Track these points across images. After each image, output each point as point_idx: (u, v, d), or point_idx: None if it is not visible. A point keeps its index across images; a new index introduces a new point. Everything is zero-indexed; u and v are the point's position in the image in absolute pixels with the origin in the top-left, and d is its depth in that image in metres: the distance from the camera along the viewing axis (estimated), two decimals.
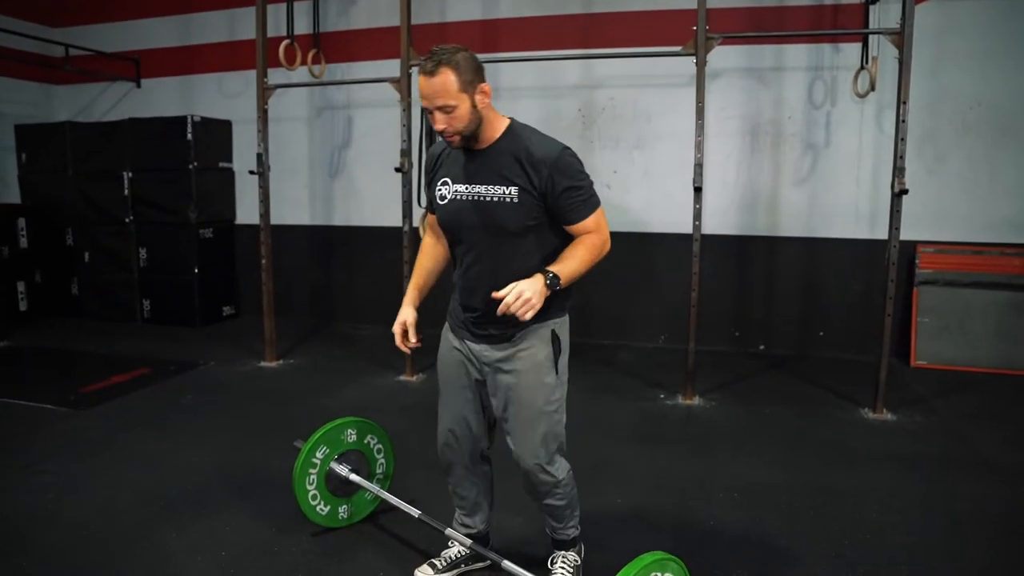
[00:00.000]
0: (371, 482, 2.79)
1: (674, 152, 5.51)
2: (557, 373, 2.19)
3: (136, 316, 6.82)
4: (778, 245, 5.62)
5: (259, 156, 5.09)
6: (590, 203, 2.10)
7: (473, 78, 1.99)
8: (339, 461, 2.78)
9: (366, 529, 2.87)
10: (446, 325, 2.36)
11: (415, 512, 2.50)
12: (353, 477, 2.74)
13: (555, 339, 2.18)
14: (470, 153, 2.12)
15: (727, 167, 5.59)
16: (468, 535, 2.45)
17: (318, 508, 2.76)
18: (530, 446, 2.17)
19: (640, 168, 5.75)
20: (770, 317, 5.72)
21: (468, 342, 2.26)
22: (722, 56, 4.96)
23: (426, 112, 2.03)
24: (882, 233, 4.53)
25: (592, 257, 2.11)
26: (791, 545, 2.73)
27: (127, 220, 6.70)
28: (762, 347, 5.73)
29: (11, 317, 6.38)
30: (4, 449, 3.67)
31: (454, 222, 2.18)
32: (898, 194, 3.96)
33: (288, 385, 4.87)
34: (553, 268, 2.01)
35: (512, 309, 1.89)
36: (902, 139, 3.92)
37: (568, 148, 2.08)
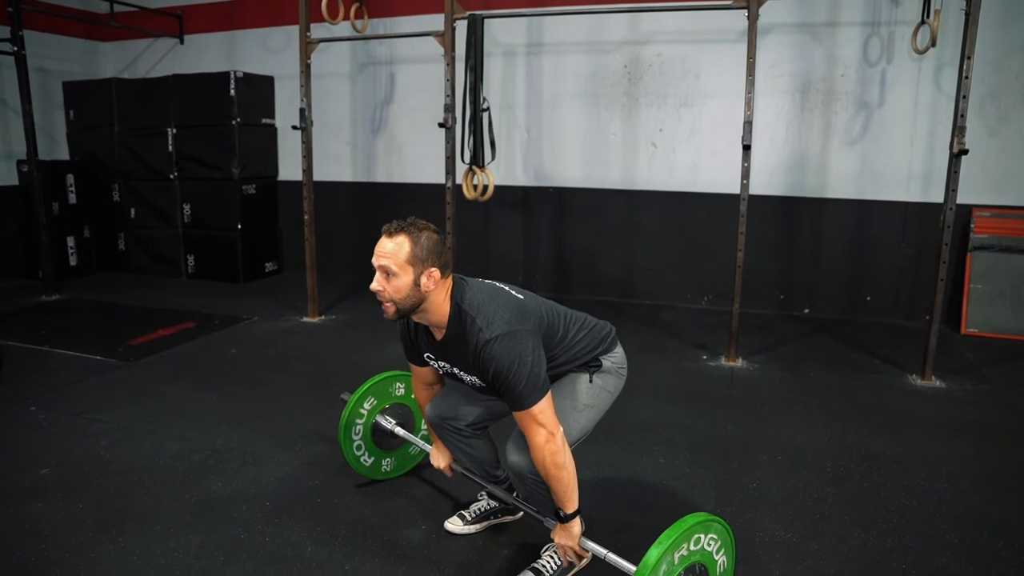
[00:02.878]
0: (416, 436, 2.81)
1: (722, 110, 5.39)
2: (591, 382, 2.20)
3: (181, 271, 6.94)
4: (826, 207, 5.47)
5: (302, 111, 5.09)
6: (522, 398, 1.92)
7: (427, 258, 1.95)
8: (385, 414, 2.80)
9: (409, 483, 2.90)
10: None
11: (458, 468, 2.52)
12: (399, 431, 2.76)
13: (594, 363, 2.23)
14: (435, 340, 2.12)
15: (776, 126, 5.44)
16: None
17: (362, 459, 2.78)
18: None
19: (687, 126, 5.62)
20: (816, 280, 5.60)
21: None
22: (774, 10, 4.79)
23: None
24: (936, 196, 4.39)
25: (561, 477, 1.98)
26: (836, 510, 2.69)
27: (172, 176, 6.78)
28: (807, 310, 5.62)
29: (62, 271, 6.54)
30: (59, 397, 3.78)
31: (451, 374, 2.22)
32: (957, 154, 3.81)
33: (330, 340, 4.92)
34: (557, 507, 2.05)
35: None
36: (964, 96, 3.75)
37: (496, 337, 1.92)
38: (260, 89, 6.76)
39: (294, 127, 5.18)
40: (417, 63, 6.19)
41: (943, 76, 4.98)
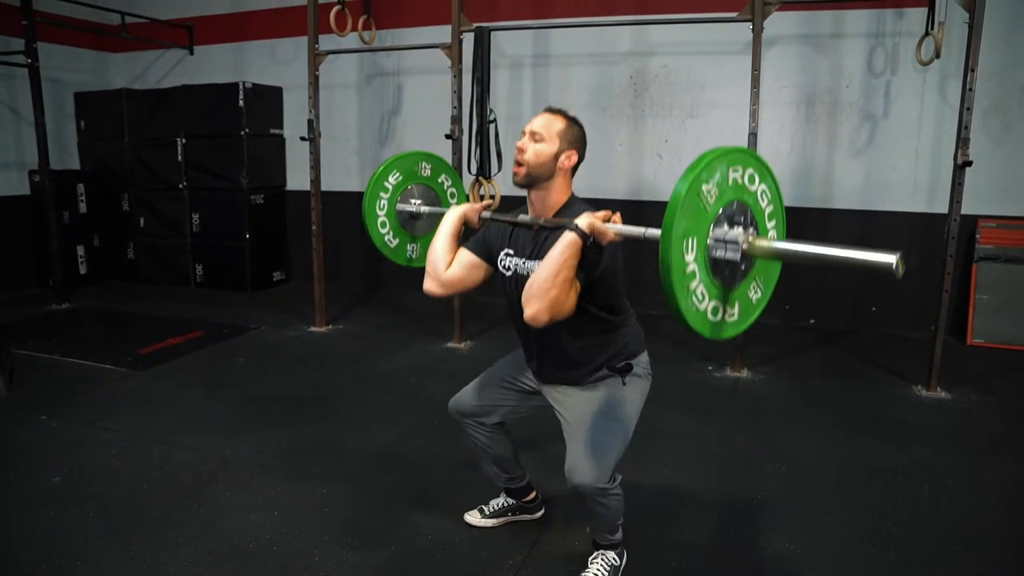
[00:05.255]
0: (443, 207, 2.69)
1: (727, 121, 5.40)
2: (624, 384, 2.24)
3: (190, 280, 6.98)
4: (831, 217, 5.48)
5: (310, 122, 5.13)
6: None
7: (573, 141, 2.11)
8: (410, 193, 2.71)
9: (416, 491, 2.92)
10: None
11: (487, 214, 2.28)
12: (424, 209, 2.67)
13: (626, 368, 2.26)
14: (534, 233, 2.14)
15: (781, 137, 5.46)
16: (509, 489, 2.60)
17: (387, 239, 2.71)
18: (589, 458, 2.10)
19: (692, 137, 5.65)
20: (821, 291, 5.60)
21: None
22: (778, 22, 4.80)
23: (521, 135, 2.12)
24: (941, 207, 4.40)
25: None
26: (838, 521, 2.70)
27: (181, 186, 6.83)
28: (812, 321, 5.63)
29: (72, 280, 6.59)
30: (69, 406, 3.81)
31: (515, 297, 2.17)
32: (961, 166, 3.82)
33: (337, 350, 4.95)
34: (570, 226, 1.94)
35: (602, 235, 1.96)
36: (968, 108, 3.77)
37: None
38: (269, 100, 6.81)
39: (302, 138, 5.23)
40: (424, 74, 6.24)
41: (948, 87, 5.00)
